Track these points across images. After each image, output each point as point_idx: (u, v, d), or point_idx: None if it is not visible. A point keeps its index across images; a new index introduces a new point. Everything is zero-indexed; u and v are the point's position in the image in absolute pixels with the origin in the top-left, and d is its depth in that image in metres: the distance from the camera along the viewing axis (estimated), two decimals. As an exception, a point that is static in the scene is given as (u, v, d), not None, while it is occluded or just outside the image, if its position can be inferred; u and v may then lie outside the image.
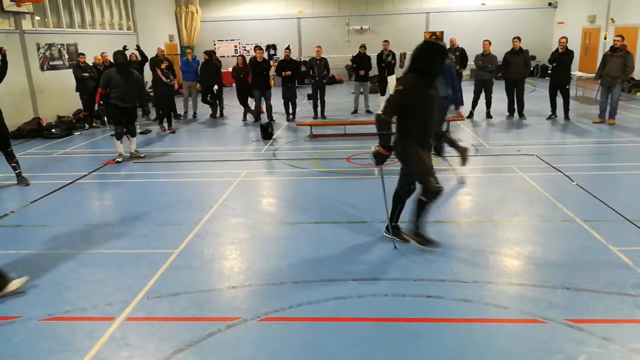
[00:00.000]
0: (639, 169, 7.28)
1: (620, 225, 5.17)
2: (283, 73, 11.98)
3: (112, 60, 10.27)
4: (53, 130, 11.37)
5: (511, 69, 11.33)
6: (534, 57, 18.65)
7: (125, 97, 8.42)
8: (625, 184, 6.82)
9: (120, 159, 8.59)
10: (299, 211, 6.00)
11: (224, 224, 5.67)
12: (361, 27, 22.09)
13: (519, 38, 11.47)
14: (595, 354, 3.15)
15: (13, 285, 4.11)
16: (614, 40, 10.44)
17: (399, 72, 14.64)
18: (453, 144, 7.18)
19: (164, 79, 11.30)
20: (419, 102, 4.28)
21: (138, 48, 12.92)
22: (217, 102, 13.37)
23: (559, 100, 11.24)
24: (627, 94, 14.47)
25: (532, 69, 18.12)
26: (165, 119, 11.74)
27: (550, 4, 21.45)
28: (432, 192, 4.45)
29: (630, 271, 4.18)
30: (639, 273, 4.13)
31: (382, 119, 4.32)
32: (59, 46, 13.30)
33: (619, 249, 4.58)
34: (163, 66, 11.46)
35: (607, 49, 11.24)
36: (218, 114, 13.42)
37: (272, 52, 22.01)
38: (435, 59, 4.26)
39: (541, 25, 21.20)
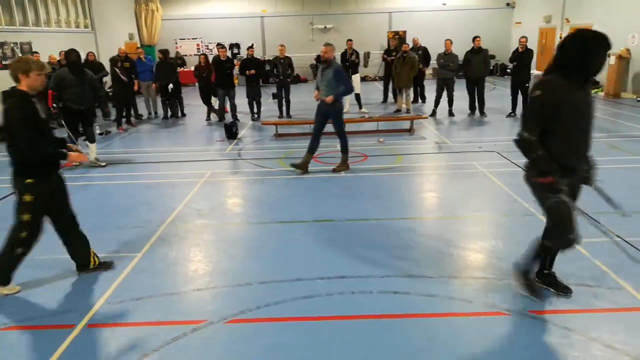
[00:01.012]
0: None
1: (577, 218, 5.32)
2: (247, 72, 11.88)
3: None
4: (7, 132, 10.92)
5: (471, 67, 11.56)
6: (493, 57, 19.09)
7: (80, 99, 7.87)
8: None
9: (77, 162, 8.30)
10: (265, 211, 5.95)
11: (188, 226, 5.56)
12: (325, 27, 22.13)
13: (479, 37, 11.72)
14: (558, 344, 3.23)
15: (5, 290, 4.09)
16: (570, 40, 10.73)
17: (363, 71, 14.72)
18: (345, 149, 7.48)
19: (122, 76, 11.07)
20: (565, 110, 3.23)
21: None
22: (177, 101, 13.12)
23: (520, 98, 11.53)
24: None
25: (491, 67, 18.55)
26: (123, 119, 11.52)
27: (508, 4, 22.00)
28: (563, 243, 3.53)
29: (588, 262, 4.32)
30: (596, 264, 4.27)
31: (526, 138, 3.31)
32: (12, 45, 12.82)
33: (577, 241, 4.72)
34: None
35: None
36: (179, 114, 13.18)
37: (235, 51, 21.82)
38: (592, 52, 3.17)
39: (500, 25, 21.74)
